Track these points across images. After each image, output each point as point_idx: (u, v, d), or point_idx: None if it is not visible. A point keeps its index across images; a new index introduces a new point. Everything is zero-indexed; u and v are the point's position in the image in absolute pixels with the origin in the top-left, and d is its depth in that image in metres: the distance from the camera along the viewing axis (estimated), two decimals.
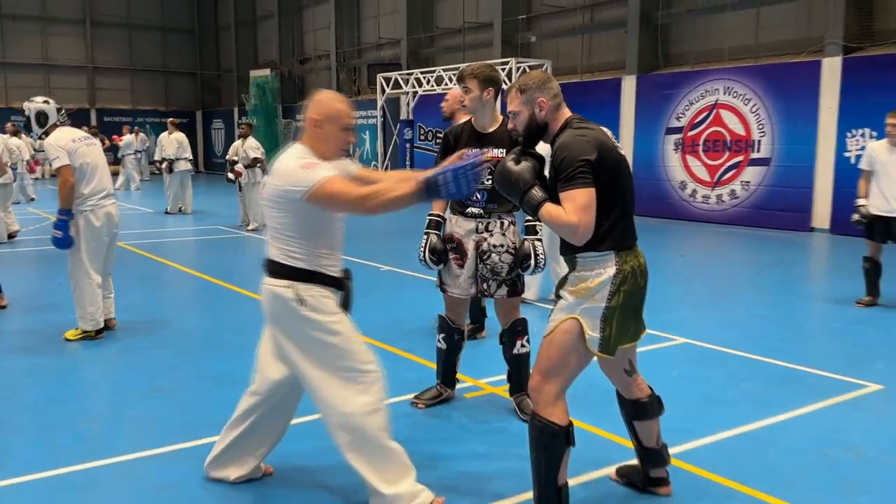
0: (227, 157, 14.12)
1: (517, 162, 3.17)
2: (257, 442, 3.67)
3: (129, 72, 33.66)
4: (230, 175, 13.77)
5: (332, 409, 3.35)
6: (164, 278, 9.51)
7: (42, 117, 6.30)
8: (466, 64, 4.60)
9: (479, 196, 4.48)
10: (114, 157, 22.82)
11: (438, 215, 4.60)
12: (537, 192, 3.12)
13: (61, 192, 6.00)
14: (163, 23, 34.44)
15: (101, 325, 6.35)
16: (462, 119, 6.25)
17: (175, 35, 34.92)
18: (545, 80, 3.24)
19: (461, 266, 4.54)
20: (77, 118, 29.35)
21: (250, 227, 13.72)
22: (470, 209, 4.52)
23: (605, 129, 3.23)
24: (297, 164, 3.26)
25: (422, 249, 4.57)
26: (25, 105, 6.41)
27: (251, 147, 13.63)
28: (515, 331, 4.58)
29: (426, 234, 4.56)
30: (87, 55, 32.51)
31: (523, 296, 4.90)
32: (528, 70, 16.62)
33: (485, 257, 4.49)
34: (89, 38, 32.53)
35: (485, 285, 4.52)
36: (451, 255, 4.56)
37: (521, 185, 3.14)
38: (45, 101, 6.39)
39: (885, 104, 11.93)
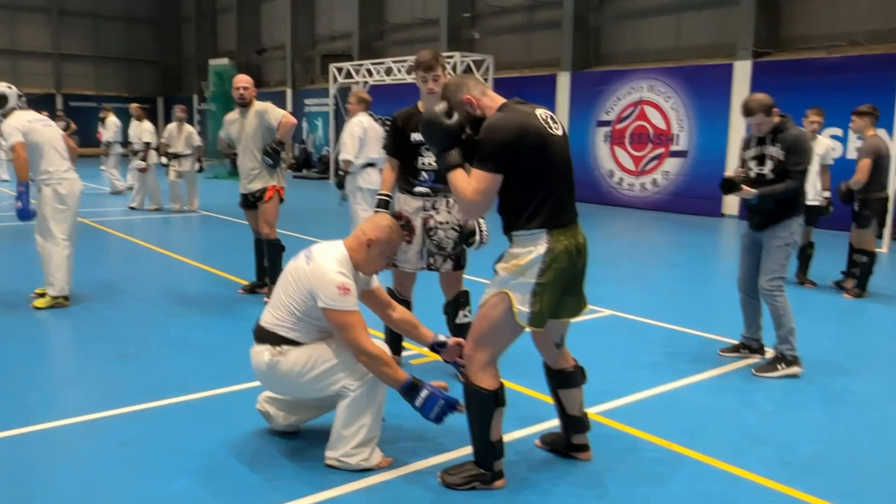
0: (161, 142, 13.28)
1: (449, 116, 3.06)
2: (315, 409, 3.68)
3: (94, 59, 32.63)
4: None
5: (339, 394, 3.38)
6: (127, 252, 9.29)
7: (2, 100, 6.09)
8: (417, 55, 4.45)
9: (426, 176, 4.44)
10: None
11: (387, 195, 4.52)
12: (455, 156, 3.06)
13: (16, 166, 5.95)
14: (126, 13, 33.44)
15: (67, 291, 6.22)
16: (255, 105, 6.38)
17: (138, 25, 33.93)
18: (461, 81, 3.19)
19: (409, 242, 4.48)
20: (43, 103, 28.49)
21: (132, 205, 13.42)
22: (417, 188, 4.46)
23: (541, 110, 3.13)
24: (336, 280, 3.25)
25: None
26: None
27: (147, 131, 13.13)
28: (458, 302, 4.60)
29: (376, 212, 4.50)
30: (53, 42, 31.39)
31: None
32: (471, 64, 16.65)
33: (431, 233, 4.46)
34: (55, 27, 31.39)
35: (431, 259, 4.50)
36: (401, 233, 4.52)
37: (445, 142, 3.07)
38: (9, 87, 6.18)
39: (789, 104, 12.17)
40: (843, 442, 3.83)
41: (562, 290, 3.14)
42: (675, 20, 15.31)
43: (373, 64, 19.57)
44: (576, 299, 3.28)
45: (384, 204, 4.50)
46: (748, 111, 4.84)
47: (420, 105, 4.47)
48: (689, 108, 14.22)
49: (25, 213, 5.99)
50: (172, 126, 12.96)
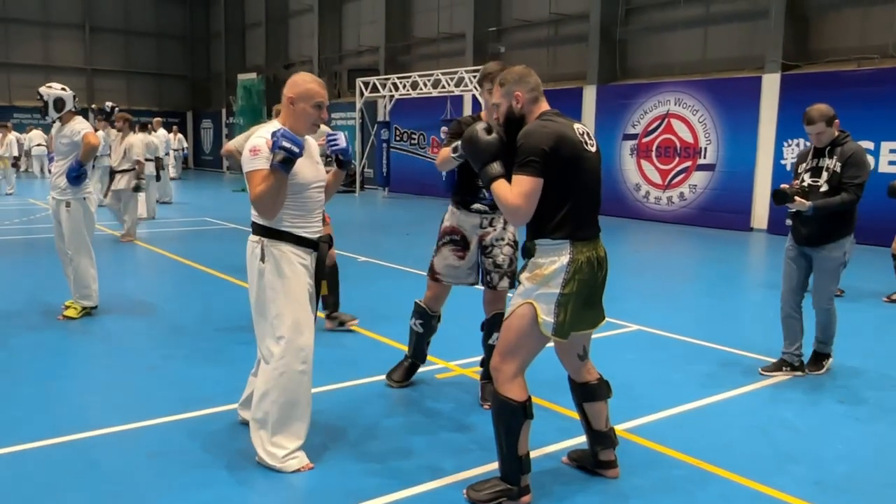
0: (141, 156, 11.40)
1: (488, 132, 3.13)
2: None
3: (125, 74, 33.20)
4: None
5: (264, 360, 3.53)
6: (154, 264, 9.40)
7: (59, 103, 6.22)
8: (484, 66, 4.32)
9: (486, 193, 4.33)
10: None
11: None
12: (496, 167, 3.10)
13: (88, 150, 6.08)
14: (157, 29, 34.01)
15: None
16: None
17: (169, 40, 34.48)
18: (524, 75, 3.21)
19: (462, 258, 4.42)
20: None
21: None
22: (475, 205, 4.36)
23: (578, 124, 3.18)
24: (250, 145, 3.41)
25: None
26: (43, 90, 6.22)
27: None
28: (494, 323, 4.53)
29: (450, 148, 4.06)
30: (85, 58, 32.01)
31: None
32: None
33: (488, 251, 4.38)
34: (88, 42, 32.03)
35: (488, 277, 4.42)
36: (452, 248, 4.43)
37: (486, 156, 3.11)
38: (63, 89, 6.29)
39: None
40: (878, 461, 3.76)
41: (583, 302, 3.15)
42: (702, 33, 15.24)
43: (399, 78, 19.71)
44: (595, 311, 3.29)
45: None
46: (809, 120, 4.88)
47: (482, 115, 4.37)
48: (717, 122, 14.11)
49: (80, 180, 6.14)
50: (115, 136, 11.00)
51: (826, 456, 3.79)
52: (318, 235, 3.59)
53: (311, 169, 3.52)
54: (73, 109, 6.28)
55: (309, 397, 3.56)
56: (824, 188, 4.86)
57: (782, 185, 5.10)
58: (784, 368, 5.11)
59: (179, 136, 25.02)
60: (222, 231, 12.78)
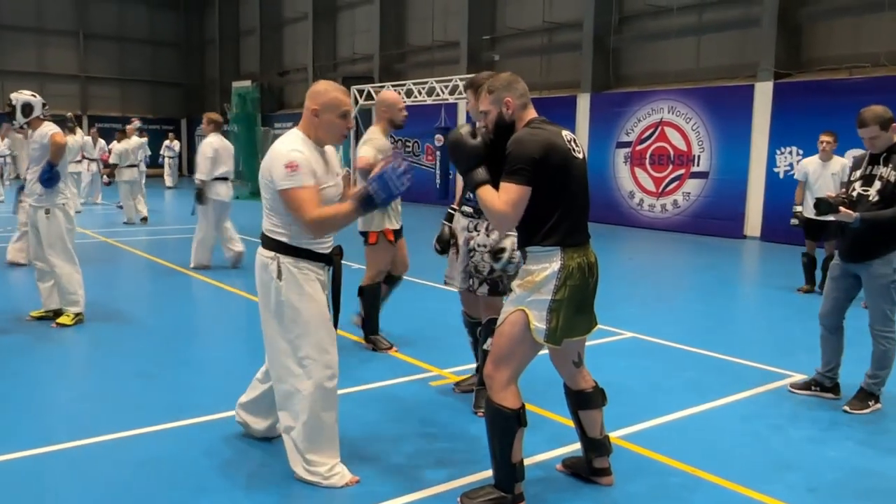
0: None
1: (473, 136, 3.12)
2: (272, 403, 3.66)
3: (119, 81, 33.12)
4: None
5: (280, 380, 3.41)
6: (148, 271, 9.37)
7: (27, 108, 6.18)
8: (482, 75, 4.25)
9: (472, 196, 4.32)
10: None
11: (452, 207, 4.60)
12: (481, 172, 3.09)
13: (55, 149, 6.00)
14: (152, 36, 33.97)
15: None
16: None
17: (163, 48, 34.45)
18: (512, 81, 3.21)
19: (455, 257, 4.48)
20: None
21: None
22: (464, 207, 4.41)
23: (566, 132, 3.18)
24: (284, 160, 3.21)
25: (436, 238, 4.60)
26: (13, 96, 6.22)
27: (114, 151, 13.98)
28: (489, 329, 4.51)
29: (442, 223, 4.60)
30: (80, 65, 31.97)
31: None
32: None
33: (471, 254, 4.37)
34: (82, 50, 31.99)
35: (471, 281, 4.41)
36: (453, 248, 4.52)
37: (471, 161, 3.11)
38: (33, 95, 6.27)
39: (810, 124, 12.18)
40: (871, 469, 3.75)
41: (575, 308, 3.14)
42: (695, 41, 15.30)
43: (393, 86, 19.72)
44: (587, 318, 3.28)
45: (448, 217, 4.60)
46: (861, 123, 4.43)
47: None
48: (710, 130, 14.16)
49: (53, 182, 6.05)
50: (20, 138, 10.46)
51: (819, 463, 3.79)
52: (331, 249, 3.49)
53: (332, 182, 3.41)
54: (42, 116, 6.23)
55: (336, 415, 3.44)
56: (875, 198, 4.39)
57: (827, 194, 4.71)
58: (813, 388, 4.81)
59: (176, 142, 24.96)
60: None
